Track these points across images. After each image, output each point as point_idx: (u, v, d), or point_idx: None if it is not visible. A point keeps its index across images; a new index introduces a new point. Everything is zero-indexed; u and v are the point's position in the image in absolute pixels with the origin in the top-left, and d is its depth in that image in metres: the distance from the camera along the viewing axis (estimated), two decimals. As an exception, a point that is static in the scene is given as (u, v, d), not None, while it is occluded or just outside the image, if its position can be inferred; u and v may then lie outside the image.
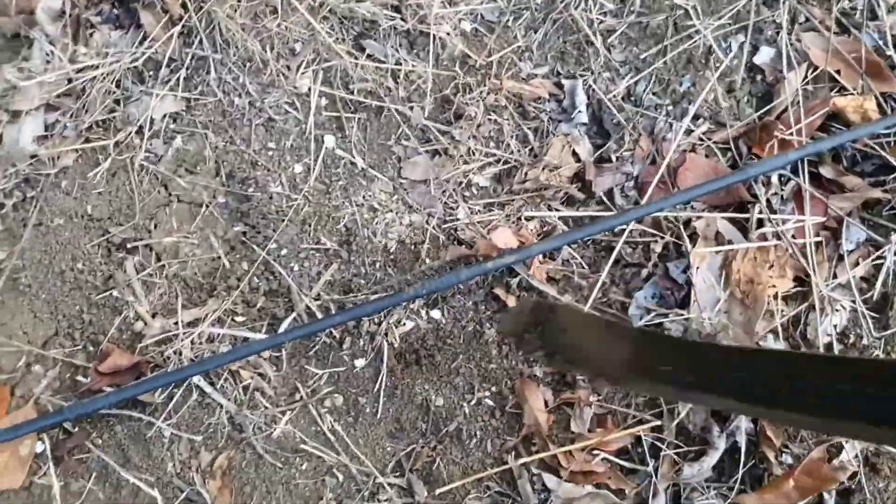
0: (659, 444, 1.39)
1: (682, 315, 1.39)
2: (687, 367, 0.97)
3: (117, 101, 1.46)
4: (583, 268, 1.44)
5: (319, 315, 1.39)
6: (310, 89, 1.47)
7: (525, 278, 1.40)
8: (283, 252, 1.43)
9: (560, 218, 1.45)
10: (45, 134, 1.45)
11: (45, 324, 1.43)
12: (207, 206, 1.45)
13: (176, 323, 1.40)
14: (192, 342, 1.39)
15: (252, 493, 1.38)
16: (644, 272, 1.42)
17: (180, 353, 1.38)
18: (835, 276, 1.41)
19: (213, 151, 1.46)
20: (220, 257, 1.44)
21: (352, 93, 1.46)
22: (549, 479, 1.39)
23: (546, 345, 1.25)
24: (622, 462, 1.40)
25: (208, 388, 1.38)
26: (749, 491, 1.38)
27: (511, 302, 1.43)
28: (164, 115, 1.46)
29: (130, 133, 1.45)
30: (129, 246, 1.44)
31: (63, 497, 1.39)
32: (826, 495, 1.37)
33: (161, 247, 1.44)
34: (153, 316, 1.42)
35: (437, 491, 1.39)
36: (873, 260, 1.41)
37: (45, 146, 1.44)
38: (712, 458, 1.36)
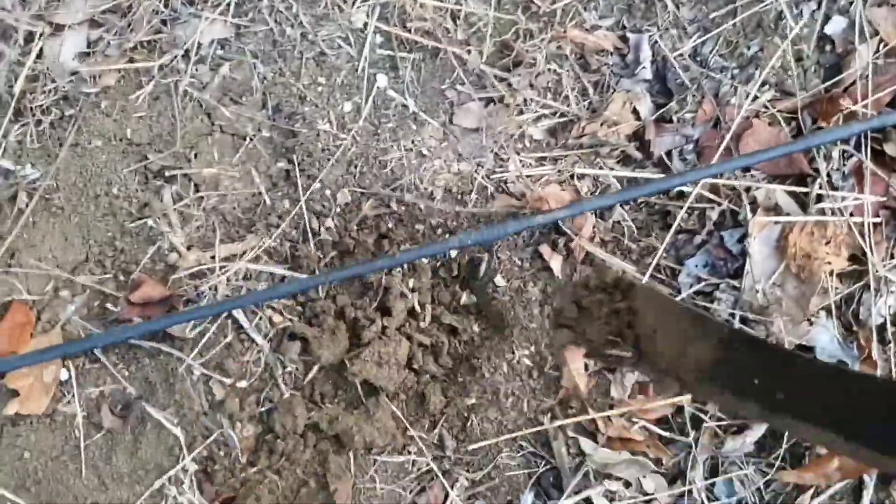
0: (701, 415, 1.35)
1: (734, 285, 1.35)
2: (778, 380, 0.84)
3: (164, 22, 1.40)
4: (634, 231, 1.39)
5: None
6: (365, 24, 1.41)
7: (572, 237, 1.35)
8: (327, 192, 1.38)
9: (615, 177, 1.40)
10: (87, 51, 1.39)
11: (75, 248, 1.38)
12: (251, 139, 1.40)
13: (212, 257, 1.36)
14: (227, 278, 1.35)
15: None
16: (697, 239, 1.38)
17: (215, 289, 1.34)
18: (892, 257, 1.37)
19: (260, 82, 1.41)
20: (261, 193, 1.39)
21: (408, 31, 1.40)
22: (586, 443, 1.36)
23: (612, 327, 1.14)
24: (661, 431, 1.36)
25: (246, 324, 1.33)
26: (788, 469, 1.35)
27: (556, 262, 1.38)
28: (212, 41, 1.40)
29: (176, 57, 1.39)
30: (167, 174, 1.39)
31: (86, 427, 1.36)
32: (867, 478, 1.34)
33: (200, 177, 1.39)
34: (188, 248, 1.37)
35: (470, 447, 1.36)
36: (933, 242, 1.36)
37: (86, 63, 1.38)
38: (756, 433, 1.33)
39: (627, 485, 1.35)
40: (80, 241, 1.38)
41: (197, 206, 1.39)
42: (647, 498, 1.34)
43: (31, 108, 1.38)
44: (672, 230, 1.37)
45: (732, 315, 1.34)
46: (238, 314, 1.33)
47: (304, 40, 1.41)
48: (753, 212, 1.36)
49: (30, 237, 1.37)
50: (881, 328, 1.35)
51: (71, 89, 1.38)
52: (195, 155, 1.40)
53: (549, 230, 1.39)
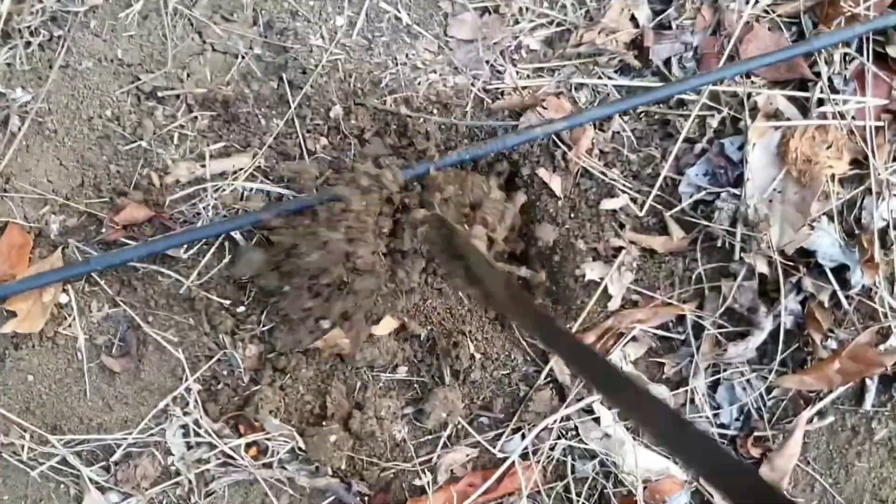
0: (702, 321, 1.35)
1: (734, 193, 1.34)
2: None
3: (151, -62, 1.37)
4: (633, 141, 1.38)
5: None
6: (356, -65, 1.38)
7: (565, 151, 1.34)
8: (321, 109, 1.36)
9: (613, 86, 1.38)
10: (73, -31, 1.36)
11: (70, 172, 1.37)
12: (243, 57, 1.38)
13: (203, 166, 1.34)
14: (222, 199, 1.34)
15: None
16: (697, 148, 1.37)
17: (214, 209, 1.33)
18: (894, 160, 1.36)
19: (250, -2, 1.38)
20: (255, 112, 1.37)
21: (401, -59, 1.37)
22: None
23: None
24: (663, 333, 1.37)
25: (243, 244, 1.33)
26: (790, 374, 1.35)
27: (556, 183, 1.37)
28: (200, -44, 1.38)
29: (164, -28, 1.37)
30: (160, 94, 1.37)
31: (88, 349, 1.36)
32: (868, 381, 1.35)
33: (193, 98, 1.37)
34: (182, 166, 1.35)
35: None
36: (935, 144, 1.35)
37: (73, -19, 1.36)
38: (757, 339, 1.33)
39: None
40: (75, 165, 1.37)
41: (191, 126, 1.37)
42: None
43: (20, 30, 1.36)
44: (679, 140, 1.35)
45: (733, 226, 1.33)
46: (236, 235, 1.32)
47: (295, -47, 1.38)
48: (753, 118, 1.34)
49: (24, 161, 1.36)
50: (883, 232, 1.34)
51: (59, 9, 1.36)
52: (187, 75, 1.38)
53: (549, 145, 1.37)
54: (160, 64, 1.37)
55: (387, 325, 1.34)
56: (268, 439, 1.35)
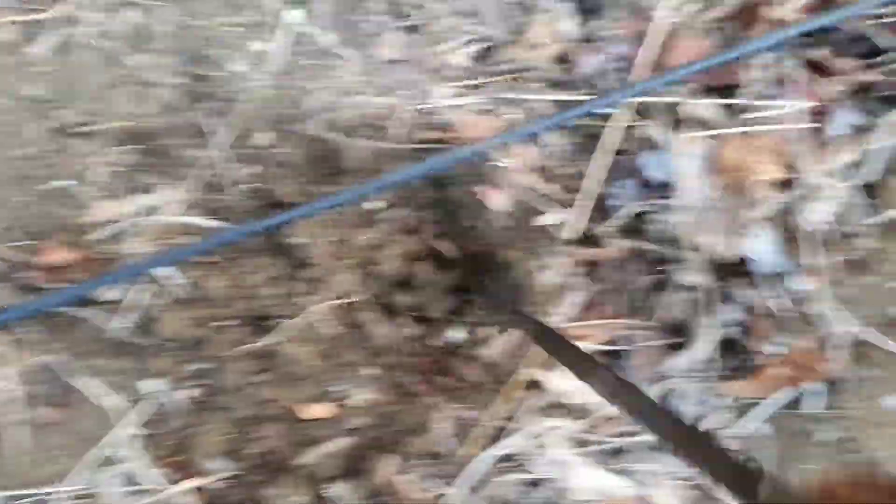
0: (641, 334, 1.35)
1: (665, 204, 1.34)
2: None
3: (58, -31, 1.32)
4: (566, 154, 1.36)
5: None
6: (272, -42, 1.35)
7: (497, 168, 1.33)
8: (246, 137, 1.33)
9: (543, 102, 1.36)
10: (-23, 4, 1.31)
11: (-13, 215, 1.32)
12: (164, 88, 1.34)
13: (129, 213, 1.30)
14: (148, 235, 1.30)
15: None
16: (628, 160, 1.36)
17: (141, 246, 1.29)
18: (824, 163, 1.36)
19: (166, 26, 1.34)
20: (177, 142, 1.33)
21: (318, -38, 1.34)
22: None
23: None
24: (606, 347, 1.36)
25: (174, 279, 1.29)
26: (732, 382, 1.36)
27: (495, 198, 1.35)
28: (111, -15, 1.33)
29: (74, 4, 1.32)
30: (77, 130, 1.33)
31: (19, 401, 1.31)
32: (807, 386, 1.35)
33: (112, 132, 1.33)
34: (105, 204, 1.31)
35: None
36: (862, 145, 1.35)
37: (-23, 18, 1.31)
38: (696, 349, 1.34)
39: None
40: (-7, 208, 1.32)
41: (114, 161, 1.33)
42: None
43: (-76, 71, 1.30)
44: (598, 151, 1.34)
45: (662, 238, 1.33)
46: (159, 272, 1.28)
47: (209, -22, 1.35)
48: (681, 127, 1.33)
49: (-63, 207, 1.31)
50: (819, 234, 1.34)
51: (-36, 46, 1.31)
52: (106, 108, 1.34)
53: (479, 164, 1.35)
54: (76, 98, 1.33)
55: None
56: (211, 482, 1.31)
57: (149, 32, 1.34)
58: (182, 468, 1.32)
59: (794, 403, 1.34)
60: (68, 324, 1.30)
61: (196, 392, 1.32)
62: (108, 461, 1.30)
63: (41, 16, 1.32)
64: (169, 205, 1.31)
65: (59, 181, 1.31)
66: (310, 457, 1.31)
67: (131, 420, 1.30)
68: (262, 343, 1.30)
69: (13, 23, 1.31)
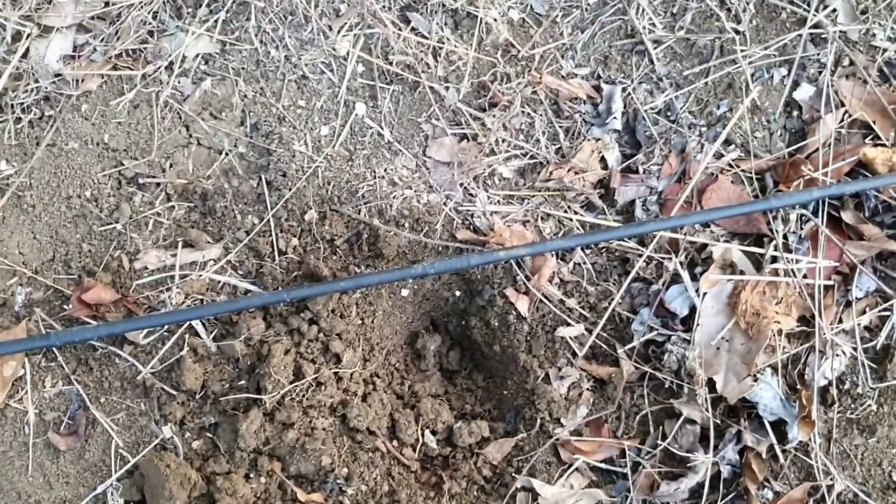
0: (640, 459, 1.38)
1: (684, 337, 1.38)
2: None
3: (151, 33, 1.43)
4: (593, 274, 1.43)
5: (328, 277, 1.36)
6: (348, 53, 1.45)
7: (527, 277, 1.39)
8: (297, 212, 1.41)
9: (578, 221, 1.43)
10: (72, 54, 1.42)
11: (42, 247, 1.40)
12: (227, 154, 1.43)
13: (173, 255, 1.38)
14: (188, 288, 1.37)
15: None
16: (653, 289, 1.42)
17: (179, 297, 1.35)
18: (840, 322, 1.41)
19: (241, 99, 1.44)
20: (231, 207, 1.41)
21: (390, 63, 1.44)
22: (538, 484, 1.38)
23: None
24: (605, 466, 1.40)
25: (203, 335, 1.35)
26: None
27: (522, 304, 1.41)
28: (197, 55, 1.43)
29: (160, 68, 1.42)
30: (140, 181, 1.41)
31: (36, 424, 1.37)
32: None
33: (173, 188, 1.41)
34: (153, 253, 1.39)
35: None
36: (880, 311, 1.40)
37: (70, 66, 1.41)
38: (691, 481, 1.36)
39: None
40: (49, 241, 1.40)
41: (167, 214, 1.41)
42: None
43: (12, 105, 1.40)
44: (629, 279, 1.40)
45: (675, 369, 1.37)
46: (197, 324, 1.35)
47: (288, 63, 1.44)
48: (708, 267, 1.39)
49: (-1, 232, 1.39)
50: (824, 390, 1.38)
51: (53, 90, 1.40)
52: (170, 165, 1.42)
53: (511, 269, 1.41)
54: (145, 152, 1.42)
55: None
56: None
57: (226, 103, 1.43)
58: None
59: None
60: (102, 359, 1.37)
61: (205, 447, 1.36)
62: (112, 498, 1.34)
63: (130, 72, 1.41)
64: (211, 262, 1.38)
65: (115, 224, 1.39)
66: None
67: (137, 459, 1.35)
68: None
69: (102, 77, 1.41)
